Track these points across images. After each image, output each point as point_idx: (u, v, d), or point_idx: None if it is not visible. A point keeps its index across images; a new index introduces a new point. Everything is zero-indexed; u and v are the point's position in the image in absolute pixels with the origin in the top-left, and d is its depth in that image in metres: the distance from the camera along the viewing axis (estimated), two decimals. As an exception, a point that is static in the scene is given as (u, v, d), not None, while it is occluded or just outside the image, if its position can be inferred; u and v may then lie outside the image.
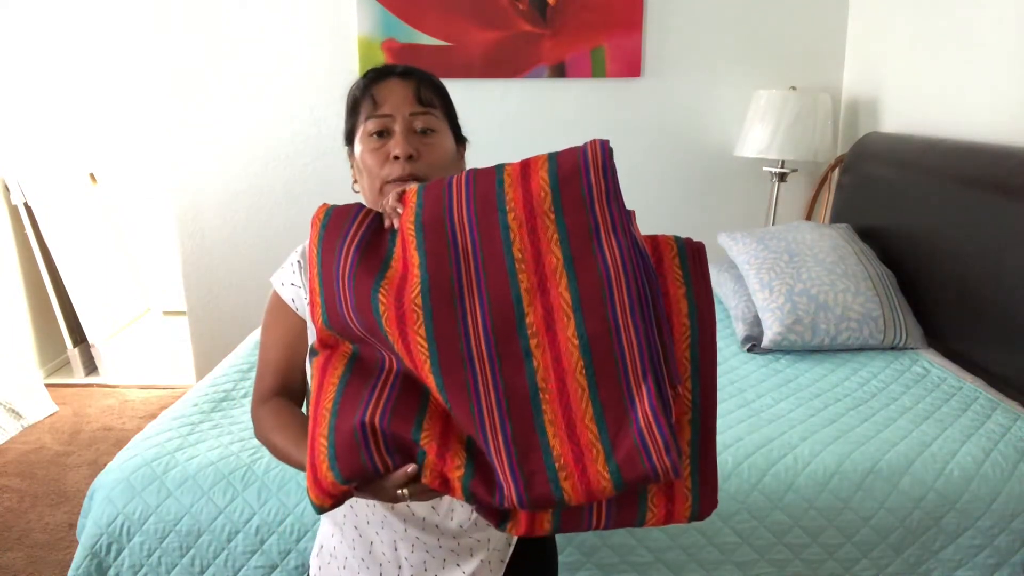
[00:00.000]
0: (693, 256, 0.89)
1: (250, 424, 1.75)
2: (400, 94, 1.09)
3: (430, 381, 0.81)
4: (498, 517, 0.83)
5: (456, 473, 0.80)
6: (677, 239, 0.90)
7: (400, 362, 0.85)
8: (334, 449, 0.81)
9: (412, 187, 0.91)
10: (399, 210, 0.90)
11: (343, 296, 0.87)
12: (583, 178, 0.83)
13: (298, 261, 1.11)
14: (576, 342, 0.79)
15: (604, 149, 0.83)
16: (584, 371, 0.78)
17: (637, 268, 0.80)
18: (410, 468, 0.81)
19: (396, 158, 1.06)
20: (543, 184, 0.83)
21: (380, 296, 0.84)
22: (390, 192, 1.06)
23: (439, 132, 1.12)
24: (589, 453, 0.77)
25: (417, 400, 0.84)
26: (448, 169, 1.12)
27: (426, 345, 0.81)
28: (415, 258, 0.85)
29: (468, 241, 0.84)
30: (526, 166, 0.85)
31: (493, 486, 0.80)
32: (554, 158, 0.85)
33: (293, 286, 1.09)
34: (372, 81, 1.12)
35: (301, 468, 0.95)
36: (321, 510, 0.84)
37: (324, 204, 0.95)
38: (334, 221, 0.92)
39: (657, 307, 0.82)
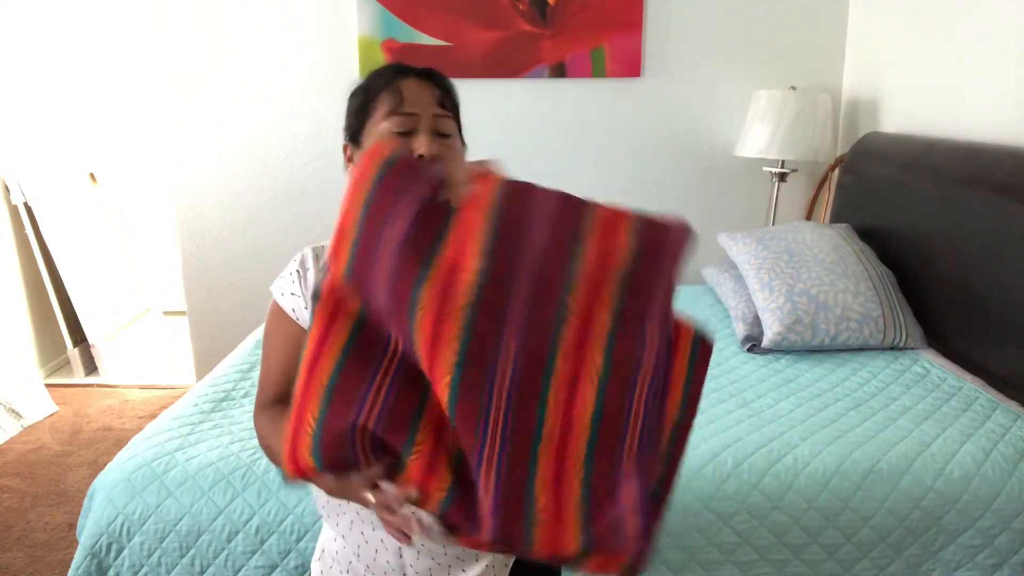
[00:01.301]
0: (703, 354, 0.88)
1: (250, 424, 1.75)
2: (425, 94, 1.07)
3: (442, 395, 0.79)
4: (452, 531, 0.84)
5: (437, 495, 0.80)
6: (696, 332, 0.88)
7: (408, 347, 0.82)
8: (320, 438, 0.80)
9: (493, 169, 0.84)
10: (471, 189, 0.81)
11: (381, 263, 0.80)
12: (659, 259, 0.81)
13: (297, 271, 1.10)
14: (591, 409, 0.79)
15: (686, 237, 0.82)
16: (589, 437, 0.79)
17: (663, 358, 0.81)
18: (376, 470, 0.81)
19: (420, 157, 1.04)
20: (623, 247, 0.80)
21: (423, 291, 0.78)
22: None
23: (454, 137, 1.11)
24: (568, 514, 0.78)
25: (415, 402, 0.82)
26: None
27: (454, 363, 0.78)
28: (474, 260, 0.78)
29: (531, 267, 0.79)
30: (614, 219, 0.81)
31: (469, 513, 0.80)
32: (641, 225, 0.81)
33: (293, 296, 1.09)
34: (393, 77, 1.09)
35: None
36: (291, 484, 0.85)
37: (381, 144, 0.89)
38: (399, 171, 0.82)
39: (666, 398, 0.83)
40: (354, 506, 1.06)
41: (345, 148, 1.14)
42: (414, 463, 0.81)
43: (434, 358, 0.78)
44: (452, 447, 0.82)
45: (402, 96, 1.06)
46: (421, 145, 1.04)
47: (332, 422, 0.80)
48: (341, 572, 1.10)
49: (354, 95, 1.13)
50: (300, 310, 1.08)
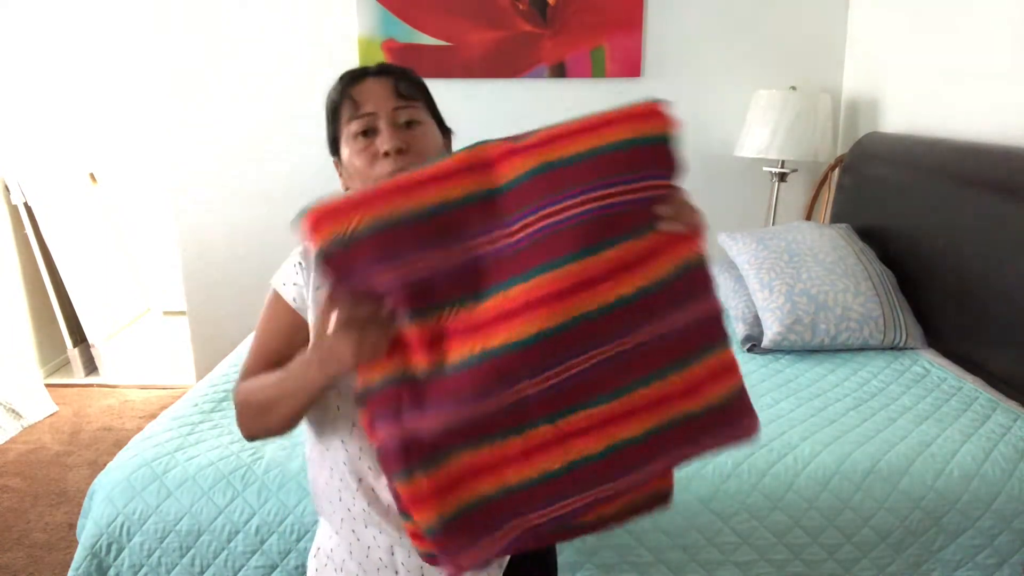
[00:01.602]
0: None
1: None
2: (379, 91, 1.08)
3: (499, 337, 0.84)
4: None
5: (397, 369, 0.85)
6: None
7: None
8: (359, 232, 0.82)
9: (701, 235, 0.88)
10: (678, 228, 0.87)
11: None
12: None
13: (299, 263, 1.10)
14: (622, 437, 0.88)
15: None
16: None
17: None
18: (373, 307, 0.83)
19: (386, 154, 1.05)
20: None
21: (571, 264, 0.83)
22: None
23: (424, 124, 1.10)
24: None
25: (452, 296, 0.85)
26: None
27: (537, 331, 0.82)
28: (631, 287, 0.83)
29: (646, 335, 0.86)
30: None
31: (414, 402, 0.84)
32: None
33: (296, 286, 1.08)
34: (348, 84, 1.10)
35: (292, 397, 0.93)
36: (311, 245, 0.83)
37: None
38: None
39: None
40: (346, 503, 1.06)
41: (336, 163, 1.16)
42: (412, 330, 0.83)
43: (522, 316, 0.81)
44: (440, 359, 0.83)
45: (356, 100, 1.07)
46: (383, 141, 1.05)
47: (381, 239, 0.82)
48: (335, 570, 1.11)
49: (326, 109, 1.15)
50: (302, 300, 1.07)
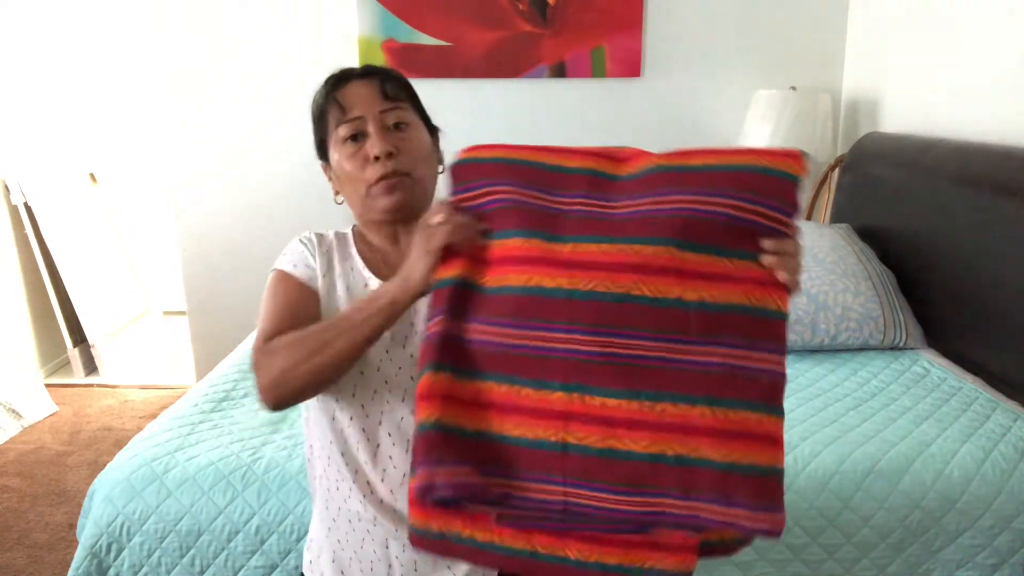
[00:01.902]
0: None
1: (251, 424, 1.75)
2: (365, 94, 1.08)
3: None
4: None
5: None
6: None
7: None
8: (480, 152, 0.98)
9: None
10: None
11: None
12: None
13: (308, 239, 1.12)
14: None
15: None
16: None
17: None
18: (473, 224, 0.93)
19: (376, 158, 1.05)
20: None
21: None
22: (377, 194, 1.06)
23: (412, 125, 1.10)
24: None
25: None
26: (427, 160, 1.11)
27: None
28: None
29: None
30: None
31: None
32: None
33: (308, 267, 1.09)
34: (333, 88, 1.10)
35: (360, 328, 0.92)
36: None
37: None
38: None
39: None
40: (342, 495, 1.06)
41: (324, 167, 1.17)
42: (489, 248, 0.92)
43: (582, 271, 0.87)
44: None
45: (343, 104, 1.07)
46: (373, 146, 1.05)
47: (501, 168, 0.96)
48: (328, 561, 1.11)
49: (312, 113, 1.14)
50: (316, 280, 1.08)
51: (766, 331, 0.85)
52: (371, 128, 1.06)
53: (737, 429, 0.82)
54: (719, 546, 0.95)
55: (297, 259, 1.09)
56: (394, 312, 0.93)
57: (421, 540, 0.93)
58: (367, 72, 1.11)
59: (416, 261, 0.92)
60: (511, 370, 0.87)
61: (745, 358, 0.84)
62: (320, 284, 1.08)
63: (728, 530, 0.86)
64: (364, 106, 1.07)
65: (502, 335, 0.87)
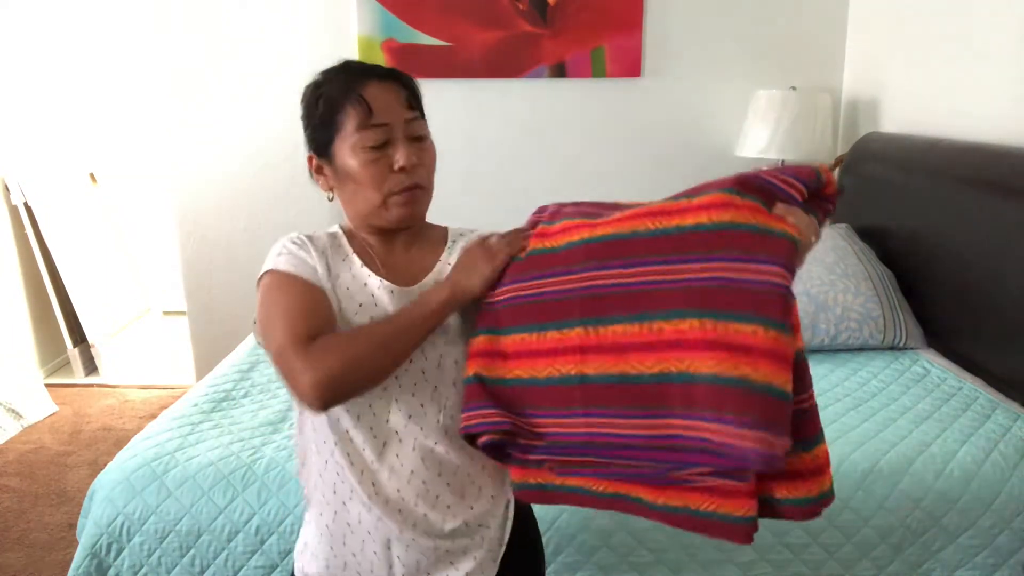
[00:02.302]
0: None
1: (251, 424, 1.75)
2: (391, 100, 1.04)
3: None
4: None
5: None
6: None
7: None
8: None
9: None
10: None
11: None
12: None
13: (301, 239, 1.08)
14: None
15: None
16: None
17: None
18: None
19: (402, 169, 1.02)
20: None
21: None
22: (395, 205, 1.04)
23: (428, 136, 1.09)
24: None
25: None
26: (434, 171, 1.11)
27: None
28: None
29: None
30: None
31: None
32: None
33: (309, 267, 1.04)
34: (355, 83, 1.04)
35: (416, 330, 0.98)
36: None
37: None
38: None
39: None
40: (342, 497, 1.05)
41: (310, 159, 1.10)
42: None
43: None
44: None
45: (370, 106, 1.02)
46: (401, 156, 1.02)
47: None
48: (325, 566, 1.09)
49: (312, 104, 1.08)
50: (320, 279, 1.03)
51: (768, 246, 0.83)
52: (399, 137, 1.03)
53: (727, 341, 0.81)
54: (767, 503, 0.92)
55: (296, 260, 1.04)
56: (446, 315, 1.01)
57: (523, 493, 1.05)
58: (388, 74, 1.07)
59: (473, 272, 1.02)
60: (535, 319, 0.97)
61: (742, 270, 0.82)
62: (326, 285, 1.05)
63: (780, 489, 0.90)
64: (392, 113, 1.03)
65: (524, 288, 1.00)
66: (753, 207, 0.86)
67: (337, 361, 0.92)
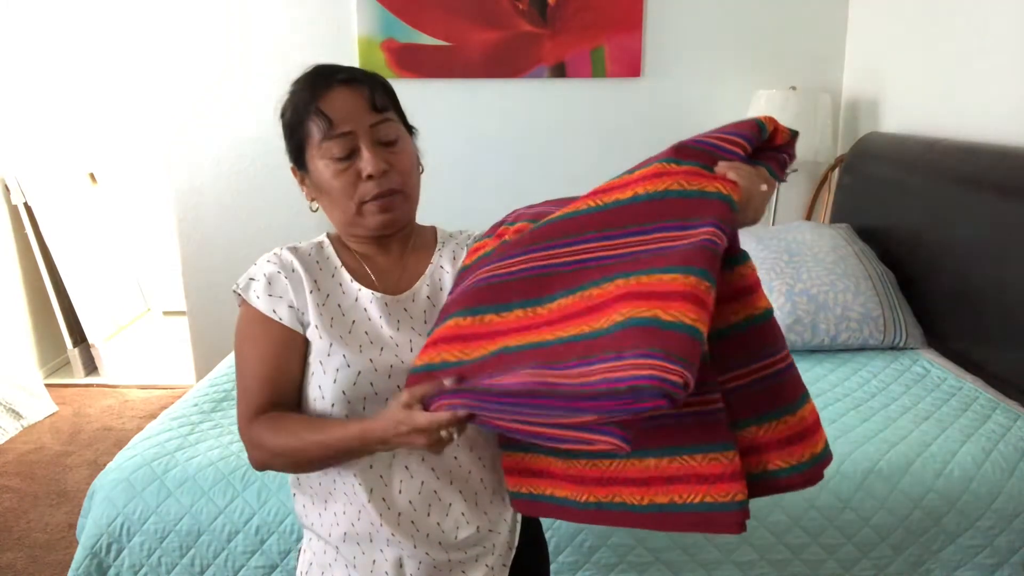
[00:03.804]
0: None
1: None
2: (353, 105, 1.00)
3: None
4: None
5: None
6: None
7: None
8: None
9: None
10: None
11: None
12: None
13: (276, 272, 1.03)
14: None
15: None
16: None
17: None
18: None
19: (370, 176, 0.99)
20: None
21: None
22: (370, 212, 1.02)
23: (401, 138, 1.04)
24: None
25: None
26: (415, 171, 1.07)
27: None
28: None
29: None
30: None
31: None
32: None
33: (288, 307, 1.01)
34: (313, 94, 1.00)
35: (339, 453, 0.94)
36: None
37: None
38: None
39: None
40: (351, 518, 1.02)
41: (292, 170, 1.09)
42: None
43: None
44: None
45: (329, 117, 0.98)
46: (367, 165, 0.99)
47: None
48: None
49: (282, 117, 1.06)
50: (284, 311, 1.01)
51: (701, 210, 0.83)
52: (363, 145, 1.00)
53: (647, 290, 0.80)
54: (765, 478, 0.91)
55: (272, 298, 1.02)
56: (364, 453, 0.98)
57: (517, 502, 1.05)
58: (352, 78, 1.02)
59: (397, 437, 0.88)
60: (477, 302, 0.95)
61: (678, 238, 0.83)
62: (309, 315, 1.01)
63: (772, 459, 0.89)
64: (353, 120, 0.99)
65: (474, 277, 0.99)
66: (689, 171, 0.87)
67: (267, 455, 0.98)
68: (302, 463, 0.98)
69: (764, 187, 0.88)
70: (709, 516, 0.86)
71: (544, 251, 0.93)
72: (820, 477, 0.92)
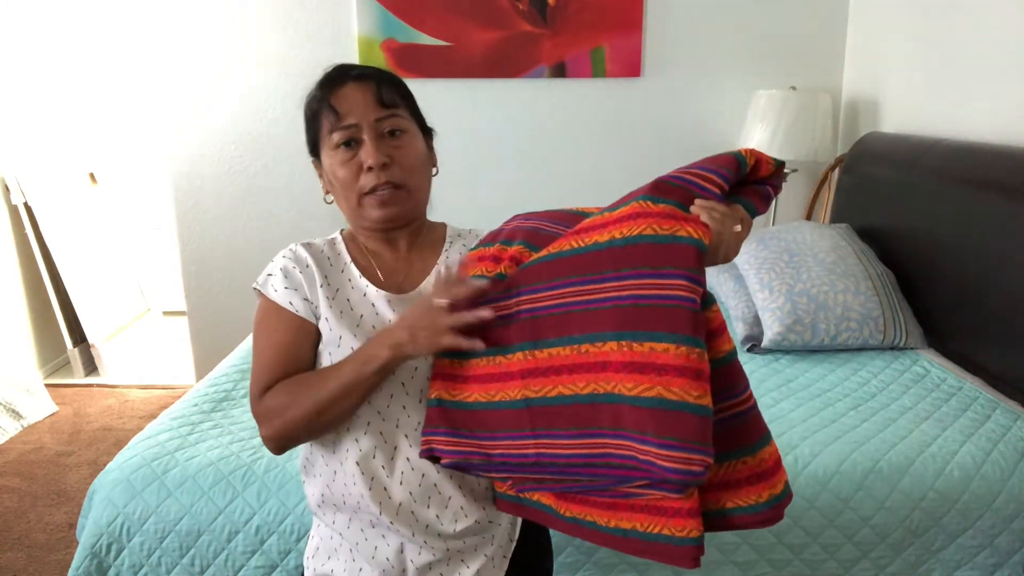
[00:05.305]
0: None
1: (251, 424, 1.75)
2: (361, 99, 1.05)
3: None
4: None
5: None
6: None
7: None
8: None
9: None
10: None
11: None
12: None
13: (292, 267, 1.08)
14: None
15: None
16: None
17: None
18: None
19: (370, 168, 1.03)
20: None
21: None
22: (369, 206, 1.06)
23: (408, 132, 1.08)
24: None
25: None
26: (422, 168, 1.10)
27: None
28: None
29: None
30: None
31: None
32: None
33: (303, 299, 1.06)
34: (328, 89, 1.07)
35: (351, 379, 0.96)
36: None
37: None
38: None
39: None
40: (352, 505, 1.06)
41: (313, 162, 1.14)
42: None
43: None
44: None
45: (337, 109, 1.05)
46: (368, 156, 1.03)
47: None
48: (340, 570, 1.10)
49: (304, 110, 1.12)
50: (299, 303, 1.05)
51: (673, 258, 0.85)
52: (366, 136, 1.04)
53: (644, 361, 0.83)
54: (723, 515, 0.92)
55: (288, 290, 1.06)
56: (387, 374, 0.99)
57: (502, 503, 1.08)
58: (363, 74, 1.07)
59: (418, 338, 0.95)
60: (492, 342, 0.97)
61: (651, 287, 0.84)
62: (321, 308, 1.06)
63: (728, 498, 0.91)
64: (359, 112, 1.04)
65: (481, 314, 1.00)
66: (665, 211, 0.87)
67: (279, 421, 1.00)
68: (312, 412, 0.98)
69: (738, 227, 0.88)
70: (667, 547, 0.88)
71: (535, 293, 0.96)
72: (780, 517, 0.93)
